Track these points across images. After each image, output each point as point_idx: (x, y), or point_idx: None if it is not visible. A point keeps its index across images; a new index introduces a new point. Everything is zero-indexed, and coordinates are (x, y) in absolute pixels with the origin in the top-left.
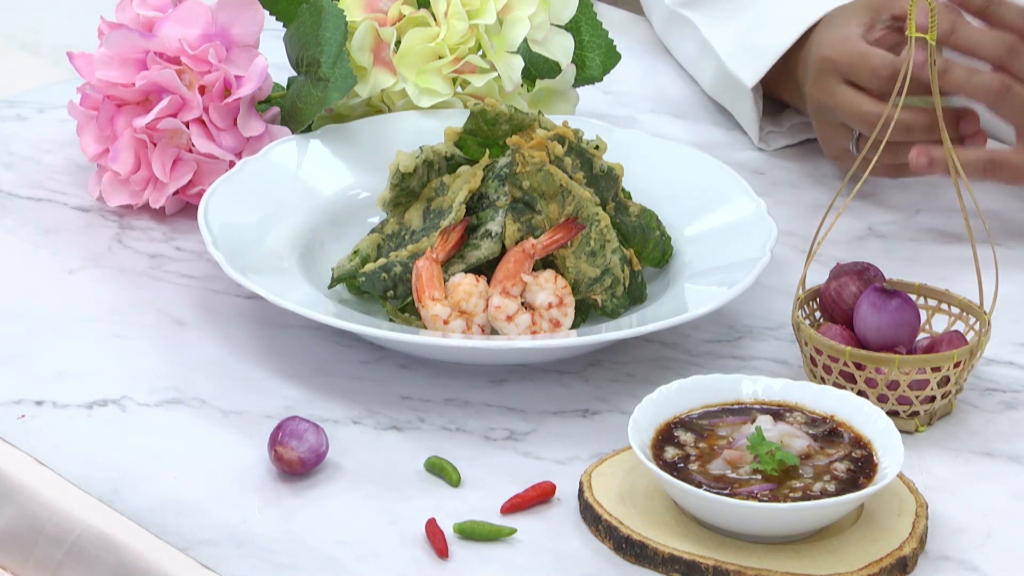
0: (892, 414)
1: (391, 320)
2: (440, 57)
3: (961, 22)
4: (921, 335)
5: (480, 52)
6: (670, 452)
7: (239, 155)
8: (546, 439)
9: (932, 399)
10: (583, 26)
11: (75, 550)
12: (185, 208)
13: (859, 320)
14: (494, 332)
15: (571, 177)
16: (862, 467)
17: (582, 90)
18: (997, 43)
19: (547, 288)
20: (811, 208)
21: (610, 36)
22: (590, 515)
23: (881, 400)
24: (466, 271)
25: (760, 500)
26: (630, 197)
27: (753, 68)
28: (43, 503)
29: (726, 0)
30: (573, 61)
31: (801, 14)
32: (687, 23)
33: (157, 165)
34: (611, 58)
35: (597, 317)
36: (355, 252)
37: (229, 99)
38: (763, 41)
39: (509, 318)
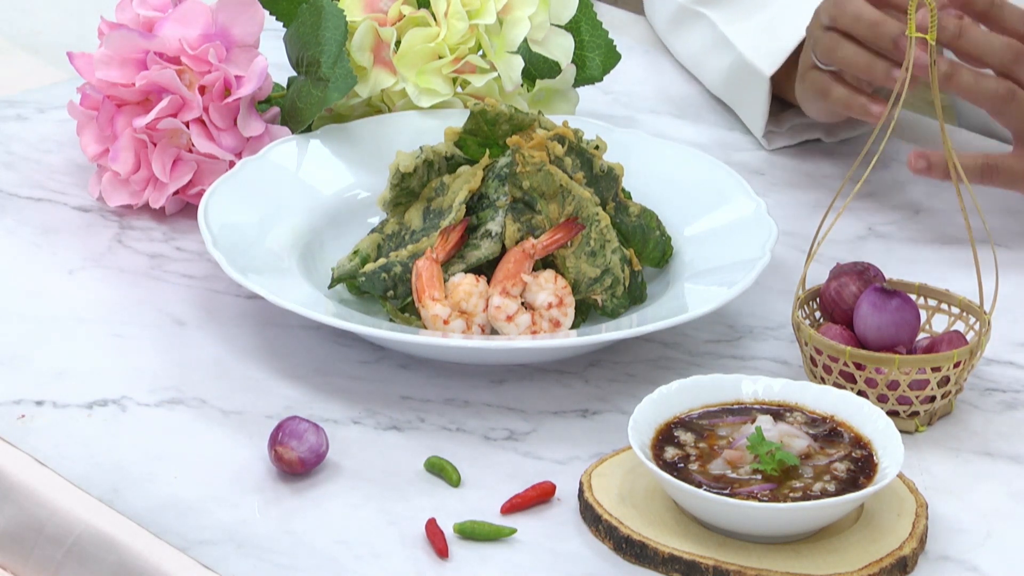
0: (892, 414)
1: (391, 320)
2: (440, 57)
3: (968, 26)
4: (921, 335)
5: (480, 52)
6: (670, 452)
7: (239, 155)
8: (546, 439)
9: (932, 399)
10: (583, 26)
11: (75, 550)
12: (185, 208)
13: (859, 320)
14: (494, 332)
15: (571, 177)
16: (862, 467)
17: (582, 90)
18: (1005, 49)
19: (547, 288)
20: (811, 208)
21: (610, 36)
22: (590, 515)
23: (881, 400)
24: (466, 271)
25: (760, 500)
26: (630, 197)
27: (772, 59)
28: (43, 503)
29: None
30: (573, 61)
31: None
32: (700, 19)
33: (157, 165)
34: (611, 58)
35: (597, 317)
36: (355, 252)
37: (229, 99)
38: (782, 36)
39: (509, 318)
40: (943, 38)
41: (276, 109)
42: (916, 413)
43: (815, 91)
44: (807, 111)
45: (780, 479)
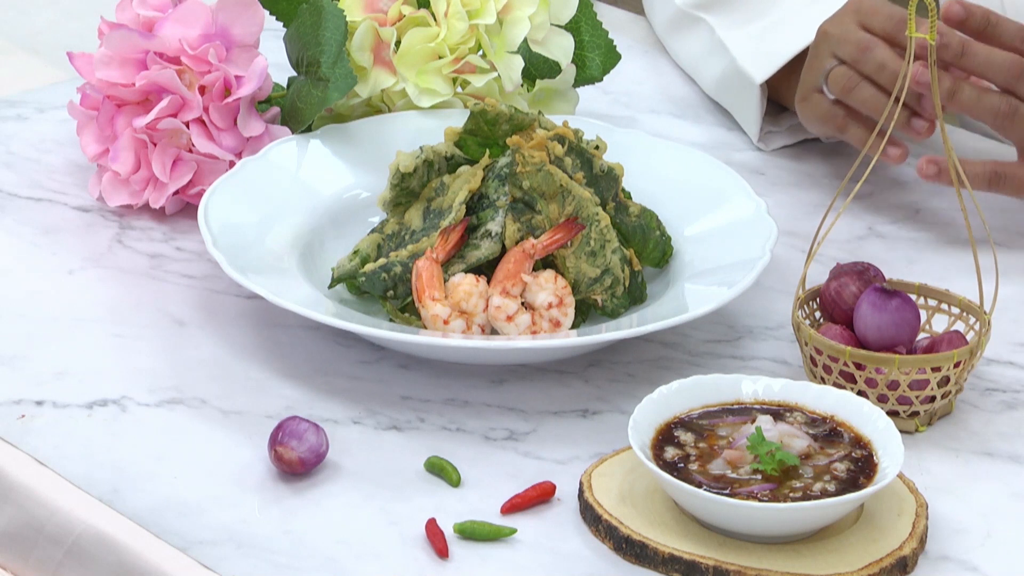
0: (892, 414)
1: (391, 320)
2: (440, 57)
3: (970, 43)
4: (921, 335)
5: (480, 52)
6: (670, 452)
7: (239, 155)
8: (546, 439)
9: (932, 399)
10: (583, 26)
11: (75, 550)
12: (185, 208)
13: (859, 320)
14: (494, 332)
15: (571, 177)
16: (862, 467)
17: (582, 90)
18: (1009, 64)
19: (547, 288)
20: (811, 208)
21: (610, 36)
22: (590, 515)
23: (881, 400)
24: (466, 271)
25: (760, 500)
26: (630, 197)
27: (764, 67)
28: (43, 503)
29: (743, 5)
30: (573, 61)
31: (816, 23)
32: (699, 23)
33: (157, 165)
34: (611, 58)
35: (597, 317)
36: (355, 252)
37: (229, 99)
38: (777, 45)
39: (509, 318)
40: (946, 56)
41: (276, 109)
42: (916, 413)
43: (820, 117)
44: (808, 127)
45: (780, 479)
